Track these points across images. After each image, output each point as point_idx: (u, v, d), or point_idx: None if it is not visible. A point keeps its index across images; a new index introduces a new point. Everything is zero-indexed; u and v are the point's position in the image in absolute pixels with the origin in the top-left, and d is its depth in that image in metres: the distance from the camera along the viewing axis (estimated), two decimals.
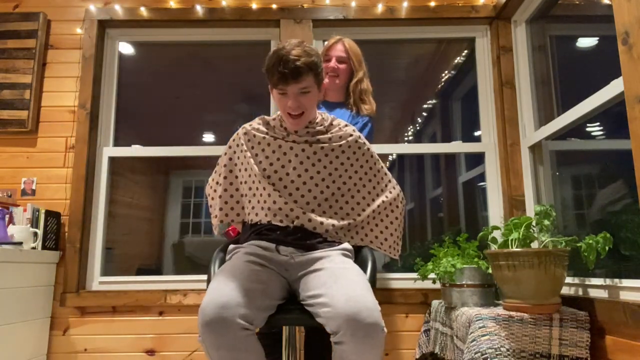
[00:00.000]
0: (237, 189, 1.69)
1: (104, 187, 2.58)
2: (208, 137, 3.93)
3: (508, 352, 1.57)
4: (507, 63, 2.56)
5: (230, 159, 1.71)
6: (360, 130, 1.97)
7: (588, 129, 2.08)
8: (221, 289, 1.30)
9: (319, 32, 2.71)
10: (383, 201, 1.68)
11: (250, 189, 1.64)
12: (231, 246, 1.62)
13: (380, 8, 2.65)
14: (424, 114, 3.74)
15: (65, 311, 2.39)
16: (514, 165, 2.46)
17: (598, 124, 2.03)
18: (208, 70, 3.27)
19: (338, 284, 1.32)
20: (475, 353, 1.56)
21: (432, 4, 2.66)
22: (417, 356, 2.19)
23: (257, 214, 1.60)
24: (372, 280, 1.53)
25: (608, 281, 1.71)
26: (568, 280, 1.98)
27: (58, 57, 2.65)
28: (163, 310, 2.39)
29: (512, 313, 1.63)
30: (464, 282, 1.88)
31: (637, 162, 1.45)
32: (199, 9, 2.66)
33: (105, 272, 2.55)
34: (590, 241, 1.60)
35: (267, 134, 1.65)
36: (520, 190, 2.43)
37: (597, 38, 2.14)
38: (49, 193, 2.50)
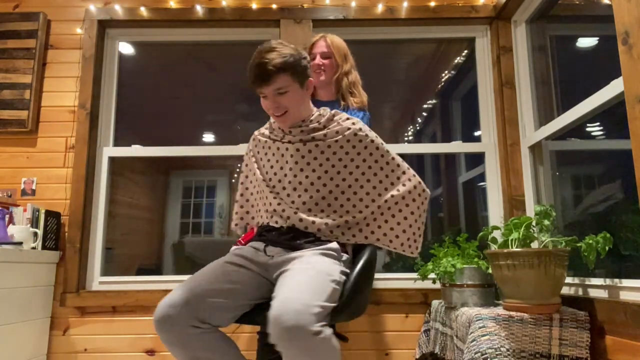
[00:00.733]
0: (251, 193, 1.77)
1: (104, 187, 2.59)
2: (208, 137, 3.94)
3: (508, 352, 1.57)
4: (507, 63, 2.56)
5: (246, 164, 1.81)
6: None
7: (588, 129, 2.08)
8: (178, 288, 1.35)
9: (319, 32, 2.70)
10: (393, 195, 1.58)
11: (257, 192, 1.71)
12: (232, 247, 1.65)
13: (380, 8, 2.65)
14: (424, 114, 3.74)
15: (65, 311, 2.39)
16: (514, 165, 2.46)
17: (598, 124, 2.03)
18: (208, 70, 3.27)
19: (284, 286, 1.26)
20: (475, 353, 1.56)
21: (432, 4, 2.66)
22: (417, 356, 2.19)
23: (261, 217, 1.68)
24: (357, 281, 1.45)
25: (608, 281, 1.71)
26: (568, 280, 1.98)
27: (58, 57, 2.65)
28: None
29: (512, 313, 1.63)
30: (464, 282, 1.88)
31: (637, 162, 1.45)
32: (199, 9, 2.66)
33: (105, 272, 2.55)
34: (590, 241, 1.61)
35: (269, 137, 1.68)
36: (520, 190, 2.43)
37: (597, 38, 2.14)
38: (49, 193, 2.50)
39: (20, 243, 2.17)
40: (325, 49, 2.08)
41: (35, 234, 2.28)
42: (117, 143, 2.71)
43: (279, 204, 1.58)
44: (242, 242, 1.86)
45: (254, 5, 2.68)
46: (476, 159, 2.82)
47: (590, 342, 1.61)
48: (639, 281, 1.56)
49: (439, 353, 1.97)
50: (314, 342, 1.13)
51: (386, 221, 1.58)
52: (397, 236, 1.57)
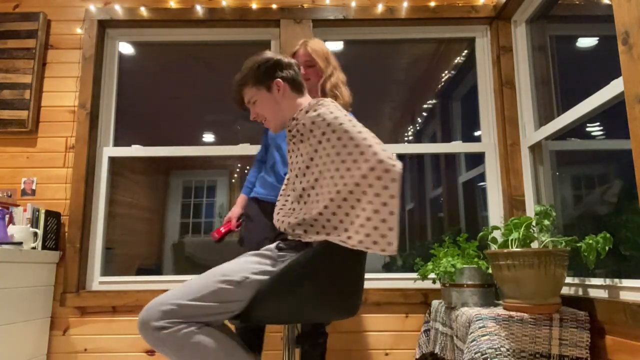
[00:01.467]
0: None
1: (104, 187, 2.59)
2: (208, 137, 3.93)
3: (508, 352, 1.57)
4: (507, 63, 2.56)
5: None
6: None
7: (588, 129, 2.08)
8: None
9: (319, 32, 2.71)
10: (346, 184, 1.33)
11: None
12: None
13: (380, 8, 2.65)
14: (424, 114, 3.74)
15: (65, 311, 2.39)
16: (514, 165, 2.46)
17: (598, 124, 2.03)
18: (208, 70, 3.27)
19: None
20: (475, 353, 1.55)
21: (432, 4, 2.66)
22: (417, 356, 2.19)
23: None
24: (271, 283, 1.35)
25: (608, 281, 1.71)
26: (568, 280, 1.98)
27: (58, 57, 2.65)
28: None
29: (512, 313, 1.63)
30: (464, 282, 1.88)
31: (637, 162, 1.45)
32: (199, 9, 2.66)
33: (105, 272, 2.56)
34: (590, 241, 1.61)
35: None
36: (520, 190, 2.43)
37: (597, 38, 2.14)
38: (49, 193, 2.50)
39: (20, 243, 2.17)
40: (306, 57, 2.05)
41: (35, 234, 2.28)
42: (117, 143, 2.71)
43: (280, 208, 1.60)
44: (217, 236, 2.02)
45: (254, 5, 2.68)
46: (476, 159, 2.82)
47: (590, 342, 1.61)
48: (639, 281, 1.56)
49: (439, 353, 1.97)
50: (158, 336, 1.24)
51: (347, 214, 1.34)
52: (356, 232, 1.30)
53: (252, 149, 2.60)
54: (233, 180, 4.73)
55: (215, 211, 4.68)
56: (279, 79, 1.52)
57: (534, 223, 1.75)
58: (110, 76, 2.73)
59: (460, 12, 2.65)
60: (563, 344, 1.58)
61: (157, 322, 1.25)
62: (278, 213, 1.58)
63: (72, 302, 2.38)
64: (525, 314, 1.61)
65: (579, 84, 2.16)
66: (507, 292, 1.68)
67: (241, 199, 2.15)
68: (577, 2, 2.34)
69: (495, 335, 1.59)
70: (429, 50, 3.13)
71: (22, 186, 2.51)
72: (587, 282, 1.85)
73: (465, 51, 2.96)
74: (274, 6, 2.67)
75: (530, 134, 2.44)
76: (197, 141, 3.74)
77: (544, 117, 2.44)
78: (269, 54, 1.56)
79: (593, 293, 1.79)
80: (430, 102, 3.66)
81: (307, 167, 1.47)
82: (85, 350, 2.36)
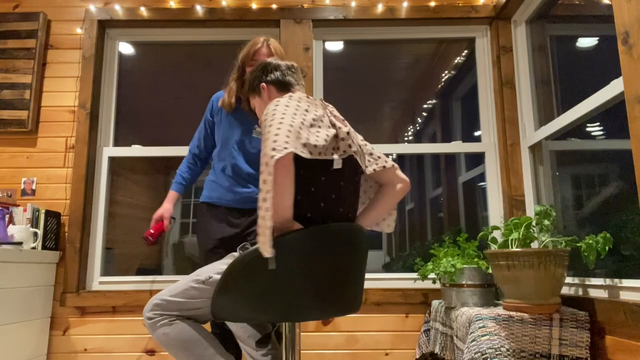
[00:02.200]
0: None
1: (104, 187, 2.59)
2: None
3: (508, 352, 1.57)
4: (507, 63, 2.56)
5: None
6: None
7: (588, 129, 2.08)
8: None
9: (319, 32, 2.71)
10: (262, 171, 1.26)
11: None
12: None
13: (380, 8, 2.65)
14: (424, 114, 3.74)
15: (65, 311, 2.39)
16: (514, 165, 2.46)
17: (598, 124, 2.03)
18: (208, 70, 3.27)
19: None
20: (476, 353, 1.55)
21: (432, 4, 2.66)
22: (417, 356, 2.19)
23: None
24: (221, 280, 1.37)
25: (608, 281, 1.71)
26: (568, 280, 1.98)
27: (58, 57, 2.65)
28: None
29: (512, 313, 1.63)
30: (464, 282, 1.88)
31: (637, 162, 1.45)
32: (199, 9, 2.66)
33: (105, 272, 2.56)
34: (590, 241, 1.61)
35: None
36: (520, 190, 2.43)
37: (597, 38, 2.14)
38: (49, 193, 2.50)
39: (20, 243, 2.17)
40: (269, 56, 2.03)
41: (35, 234, 2.28)
42: (117, 143, 2.71)
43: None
44: (152, 239, 2.02)
45: (254, 5, 2.68)
46: (476, 159, 2.82)
47: (590, 342, 1.61)
48: (639, 281, 1.56)
49: (439, 353, 1.97)
50: (149, 325, 1.46)
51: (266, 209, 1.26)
52: (259, 226, 1.26)
53: None
54: None
55: None
56: (263, 83, 1.60)
57: (534, 223, 1.75)
58: (110, 76, 2.73)
59: (460, 12, 2.65)
60: (563, 344, 1.58)
61: (148, 313, 1.47)
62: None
63: (72, 302, 2.38)
64: (525, 314, 1.61)
65: (578, 84, 2.16)
66: (507, 292, 1.68)
67: (172, 195, 2.09)
68: (577, 2, 2.34)
69: (495, 335, 1.59)
70: (429, 50, 3.13)
71: (22, 186, 2.51)
72: (587, 282, 1.85)
73: (465, 51, 2.95)
74: (274, 6, 2.67)
75: (530, 134, 2.44)
76: None
77: (544, 117, 2.44)
78: (263, 61, 1.66)
79: (593, 293, 1.79)
80: (430, 102, 3.66)
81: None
82: (85, 350, 2.36)
